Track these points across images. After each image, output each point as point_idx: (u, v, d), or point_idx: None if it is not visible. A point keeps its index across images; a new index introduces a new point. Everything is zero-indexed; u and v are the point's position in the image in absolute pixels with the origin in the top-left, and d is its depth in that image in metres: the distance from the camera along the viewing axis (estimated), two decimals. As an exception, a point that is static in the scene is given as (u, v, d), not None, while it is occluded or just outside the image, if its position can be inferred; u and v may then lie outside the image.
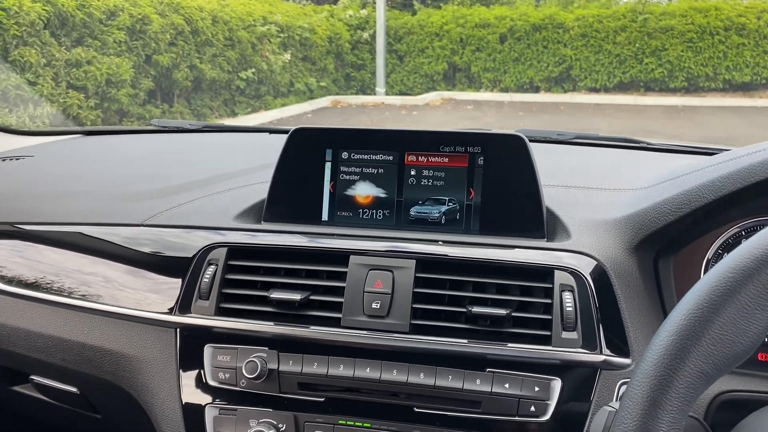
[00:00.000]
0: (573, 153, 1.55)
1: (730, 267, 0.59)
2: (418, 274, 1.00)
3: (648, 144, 1.52)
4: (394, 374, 0.97)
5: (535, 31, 10.89)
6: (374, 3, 11.16)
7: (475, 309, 0.96)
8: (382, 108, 10.20)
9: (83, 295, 1.14)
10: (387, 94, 11.09)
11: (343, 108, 10.26)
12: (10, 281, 1.20)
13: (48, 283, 1.18)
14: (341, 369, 0.98)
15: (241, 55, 8.50)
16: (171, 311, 1.07)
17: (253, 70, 8.70)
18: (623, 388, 0.89)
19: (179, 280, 1.08)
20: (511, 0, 12.37)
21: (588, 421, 0.92)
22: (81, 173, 1.51)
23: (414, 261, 1.00)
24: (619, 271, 0.98)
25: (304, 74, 10.04)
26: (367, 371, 0.97)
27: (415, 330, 0.98)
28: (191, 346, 1.05)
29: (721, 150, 1.23)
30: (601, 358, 0.93)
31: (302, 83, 9.92)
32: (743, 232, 1.00)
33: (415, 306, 0.99)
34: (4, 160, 1.57)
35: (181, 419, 1.04)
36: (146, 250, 1.14)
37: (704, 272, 1.02)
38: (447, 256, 1.02)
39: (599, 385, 0.93)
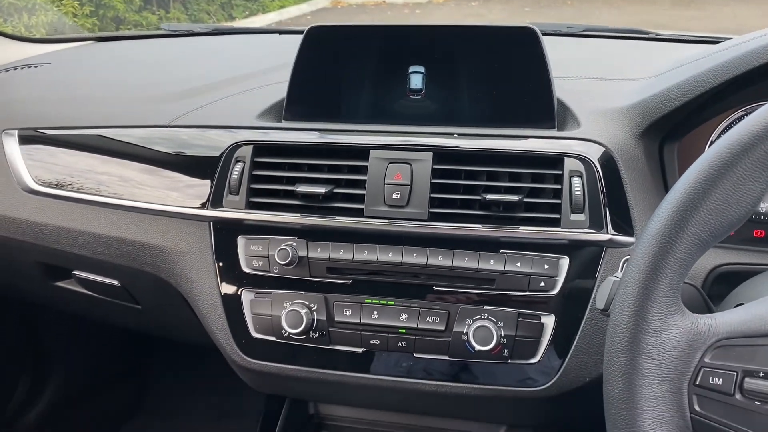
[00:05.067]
0: (583, 45, 1.56)
1: (728, 143, 0.65)
2: (435, 166, 1.05)
3: (657, 35, 1.53)
4: (415, 257, 1.04)
5: None
6: None
7: (489, 196, 1.02)
8: (384, 7, 9.85)
9: (120, 195, 1.21)
10: (388, -8, 10.68)
11: (343, 8, 9.91)
12: (48, 184, 1.26)
13: (84, 185, 1.23)
14: (366, 254, 1.05)
15: (236, -46, 8.15)
16: (204, 206, 1.13)
17: (249, -30, 8.38)
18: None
19: (209, 178, 1.14)
20: None
21: (594, 292, 1.00)
22: (99, 79, 1.53)
23: (431, 153, 1.05)
24: (626, 156, 1.03)
25: (302, -27, 9.65)
26: (390, 255, 1.05)
27: (433, 217, 1.04)
28: (225, 238, 1.12)
29: (728, 39, 1.25)
30: (607, 236, 1.00)
31: (300, -17, 9.55)
32: (745, 116, 1.04)
33: (432, 195, 1.04)
34: (22, 68, 1.59)
35: (220, 303, 1.12)
36: (176, 150, 1.19)
37: None
38: (462, 148, 1.06)
39: (604, 261, 1.01)
